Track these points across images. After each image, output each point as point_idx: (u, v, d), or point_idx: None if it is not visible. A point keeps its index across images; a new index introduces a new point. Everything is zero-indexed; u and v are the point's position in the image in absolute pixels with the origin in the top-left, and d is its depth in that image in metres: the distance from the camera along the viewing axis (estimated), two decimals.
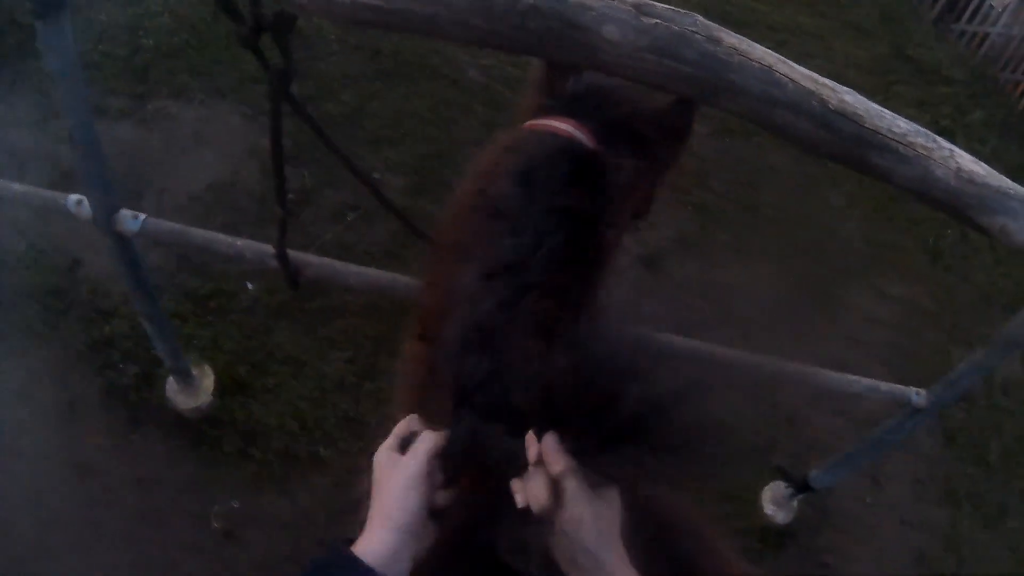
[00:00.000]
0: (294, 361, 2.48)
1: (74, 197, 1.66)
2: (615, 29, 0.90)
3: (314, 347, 2.51)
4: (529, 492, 0.80)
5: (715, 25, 0.95)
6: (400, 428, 0.91)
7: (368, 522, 0.83)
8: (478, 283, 0.93)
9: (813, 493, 2.53)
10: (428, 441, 0.86)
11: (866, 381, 1.99)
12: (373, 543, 0.80)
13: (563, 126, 1.03)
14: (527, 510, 0.80)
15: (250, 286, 2.59)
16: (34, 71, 2.88)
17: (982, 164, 1.13)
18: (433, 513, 0.85)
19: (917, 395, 1.95)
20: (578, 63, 0.99)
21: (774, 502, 2.64)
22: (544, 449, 0.79)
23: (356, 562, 0.78)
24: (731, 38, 0.95)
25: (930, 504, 2.98)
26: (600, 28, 0.90)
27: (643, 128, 1.09)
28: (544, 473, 0.79)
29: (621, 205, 1.09)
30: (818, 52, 4.59)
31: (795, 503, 2.64)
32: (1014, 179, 1.16)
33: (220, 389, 2.35)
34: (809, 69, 1.02)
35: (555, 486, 0.78)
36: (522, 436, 0.83)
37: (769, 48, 0.99)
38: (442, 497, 0.87)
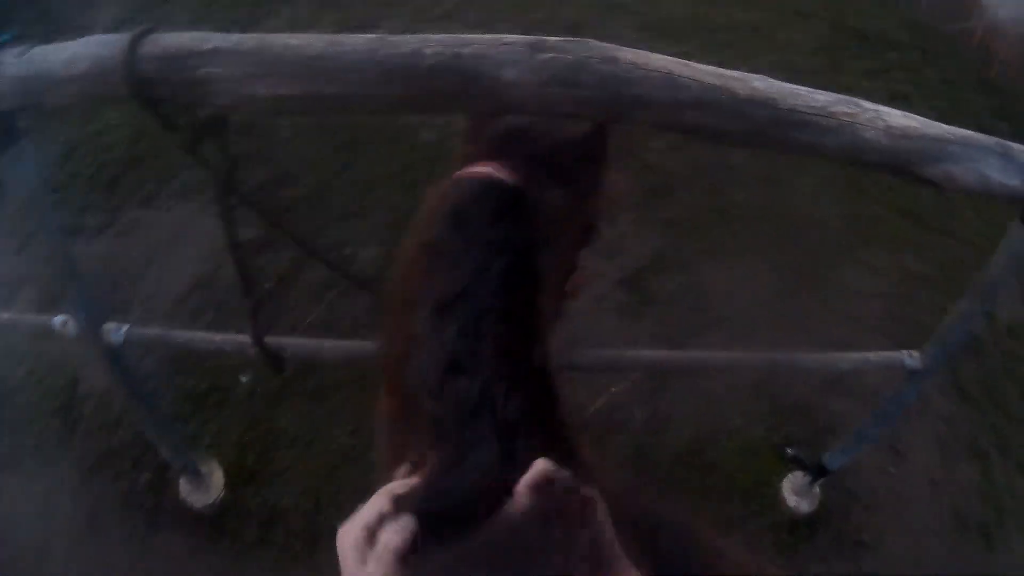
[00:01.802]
0: (299, 442, 2.49)
1: (59, 318, 1.70)
2: (513, 71, 0.94)
3: (316, 425, 2.53)
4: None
5: (611, 46, 0.99)
6: (371, 510, 0.85)
7: None
8: (433, 317, 0.97)
9: (834, 476, 2.51)
10: (395, 539, 0.81)
11: (854, 356, 1.98)
12: None
13: (485, 168, 1.08)
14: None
15: (244, 378, 2.62)
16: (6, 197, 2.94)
17: (915, 117, 1.14)
18: None
19: (910, 357, 1.94)
20: (487, 110, 1.04)
21: (795, 492, 2.62)
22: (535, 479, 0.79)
23: None
24: (627, 54, 0.98)
25: (957, 461, 2.95)
26: (499, 73, 0.94)
27: (561, 158, 1.13)
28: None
29: (554, 233, 1.12)
30: (763, 46, 4.62)
31: (817, 489, 2.62)
32: (980, 126, 1.17)
33: (231, 482, 2.37)
34: (754, 64, 1.05)
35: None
36: (517, 453, 0.85)
37: (716, 51, 1.03)
38: None
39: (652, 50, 1.03)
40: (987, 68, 5.03)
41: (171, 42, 1.02)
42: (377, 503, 0.86)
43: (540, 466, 0.78)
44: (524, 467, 0.81)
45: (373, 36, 0.98)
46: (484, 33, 0.99)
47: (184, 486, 2.33)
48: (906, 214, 3.84)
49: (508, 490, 0.80)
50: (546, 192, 1.09)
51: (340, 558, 0.82)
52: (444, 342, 0.95)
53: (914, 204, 3.89)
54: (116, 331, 1.69)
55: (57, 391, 2.57)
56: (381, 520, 0.83)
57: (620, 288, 3.20)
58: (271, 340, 1.64)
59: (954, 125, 1.19)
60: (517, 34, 0.99)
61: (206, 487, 2.33)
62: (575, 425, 1.04)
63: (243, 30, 1.04)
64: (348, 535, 0.83)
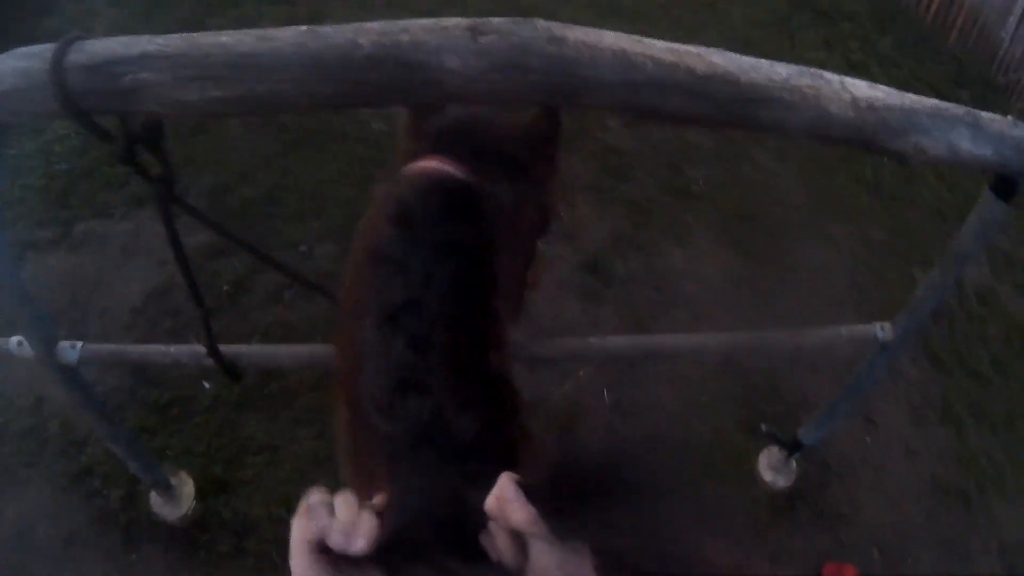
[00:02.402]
0: (266, 448, 2.46)
1: (15, 339, 1.67)
2: (454, 58, 0.90)
3: (282, 431, 2.50)
4: (494, 546, 0.78)
5: (558, 24, 0.94)
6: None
7: None
8: (381, 329, 0.93)
9: (809, 450, 2.52)
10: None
11: (825, 331, 1.97)
12: None
13: (432, 164, 1.03)
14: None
15: (207, 385, 2.57)
16: None
17: (880, 87, 1.11)
18: None
19: (882, 330, 1.93)
20: (428, 100, 0.99)
21: (771, 468, 2.63)
22: (502, 497, 0.76)
23: None
24: (576, 33, 0.94)
25: (932, 428, 2.99)
26: (440, 61, 0.90)
27: (510, 147, 1.09)
28: (504, 524, 0.76)
29: (508, 226, 1.08)
30: (714, 21, 4.62)
31: (793, 464, 2.64)
32: (940, 94, 1.15)
33: (201, 492, 2.34)
34: (707, 39, 1.01)
35: (518, 538, 0.76)
36: (471, 480, 0.80)
37: (669, 28, 0.99)
38: None
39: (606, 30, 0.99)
40: (944, 36, 5.07)
41: (98, 49, 0.96)
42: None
43: (508, 493, 0.75)
44: (481, 484, 0.78)
45: (305, 28, 0.93)
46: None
47: (156, 500, 2.30)
48: (868, 185, 3.87)
49: (468, 509, 0.78)
50: (497, 184, 1.05)
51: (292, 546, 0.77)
52: (392, 357, 0.92)
53: (875, 175, 3.92)
54: (71, 350, 1.65)
55: (22, 412, 2.52)
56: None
57: (581, 271, 3.19)
58: (226, 349, 1.60)
59: (912, 94, 1.17)
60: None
61: (177, 500, 2.30)
62: (533, 433, 1.00)
63: (190, 30, 0.99)
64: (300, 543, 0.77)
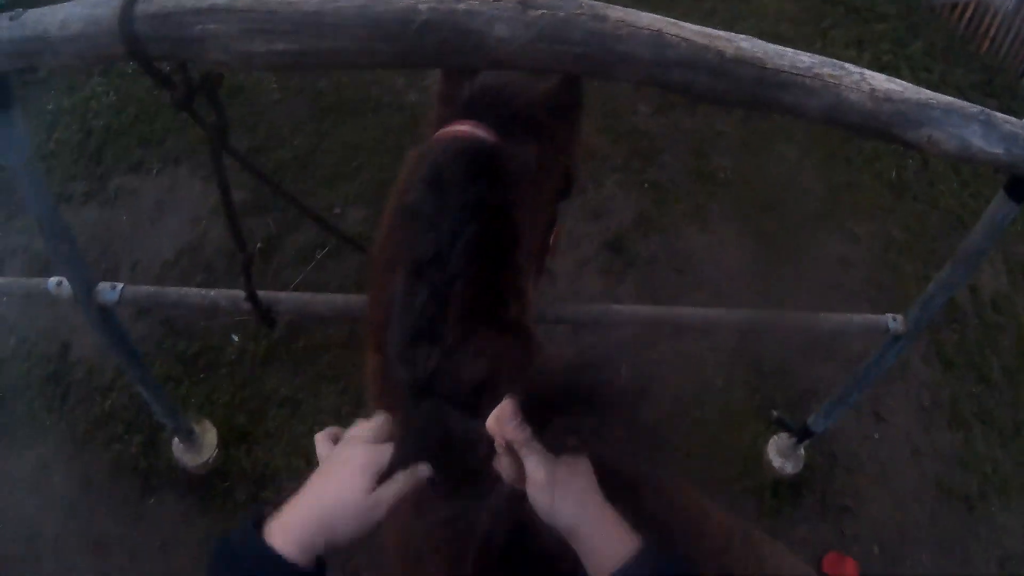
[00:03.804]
0: (290, 401, 2.53)
1: (54, 279, 1.72)
2: (504, 27, 0.95)
3: (306, 385, 2.57)
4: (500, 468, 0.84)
5: (600, 3, 1.01)
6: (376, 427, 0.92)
7: (299, 505, 0.82)
8: (407, 281, 0.99)
9: (818, 439, 2.56)
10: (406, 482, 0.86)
11: (838, 316, 2.01)
12: (288, 535, 0.78)
13: (463, 128, 1.10)
14: (504, 490, 0.84)
15: (235, 338, 2.64)
16: None
17: (897, 81, 1.16)
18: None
19: (893, 320, 1.97)
20: (476, 65, 1.05)
21: (780, 454, 2.67)
22: (501, 419, 0.82)
23: (280, 562, 0.75)
24: (617, 12, 1.00)
25: (939, 430, 3.01)
26: (491, 29, 0.96)
27: (536, 112, 1.15)
28: (501, 441, 0.83)
29: (532, 187, 1.15)
30: (748, 13, 4.61)
31: (801, 451, 2.67)
32: (967, 98, 1.19)
33: (223, 442, 2.41)
34: (742, 32, 1.06)
35: (516, 455, 0.82)
36: (480, 416, 0.86)
37: (701, 18, 1.05)
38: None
39: None
40: (975, 43, 5.03)
41: (166, 1, 1.02)
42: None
43: (507, 417, 0.82)
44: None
45: None
46: None
47: (177, 447, 2.36)
48: (890, 184, 3.87)
49: (478, 442, 0.86)
50: (522, 147, 1.11)
51: (338, 447, 0.89)
52: (414, 307, 0.99)
53: (899, 175, 3.91)
54: (110, 291, 1.70)
55: (48, 358, 2.59)
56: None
57: (604, 249, 3.24)
58: (263, 295, 1.65)
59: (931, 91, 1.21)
60: None
61: (199, 447, 2.36)
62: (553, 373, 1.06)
63: None
64: (353, 439, 0.89)
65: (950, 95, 1.18)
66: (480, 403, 0.92)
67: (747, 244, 3.43)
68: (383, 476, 0.85)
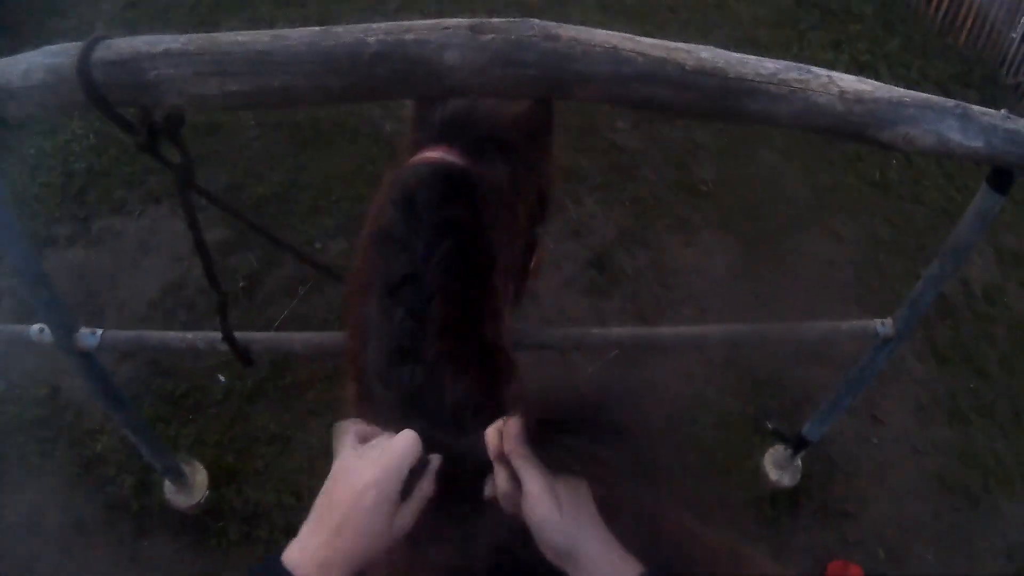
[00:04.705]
0: (278, 438, 2.51)
1: (36, 326, 1.71)
2: (456, 54, 0.95)
3: (294, 421, 2.55)
4: (495, 484, 0.82)
5: (553, 24, 1.00)
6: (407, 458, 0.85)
7: (316, 524, 0.79)
8: (383, 302, 0.99)
9: (813, 447, 2.53)
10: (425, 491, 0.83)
11: (824, 325, 1.99)
12: (309, 559, 0.75)
13: (433, 153, 1.10)
14: (498, 511, 0.82)
15: (222, 378, 2.63)
16: None
17: (868, 81, 1.15)
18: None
19: (882, 325, 1.96)
20: (432, 94, 1.05)
21: (777, 465, 2.65)
22: (506, 433, 0.80)
23: None
24: (569, 31, 0.99)
25: (938, 427, 3.00)
26: (442, 57, 0.95)
27: (506, 135, 1.15)
28: (504, 465, 0.81)
29: (505, 209, 1.15)
30: (723, 21, 4.64)
31: (798, 461, 2.65)
32: (947, 94, 1.18)
33: (214, 481, 2.39)
34: (716, 40, 1.06)
35: (513, 473, 0.80)
36: (469, 433, 0.86)
37: (677, 29, 1.04)
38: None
39: (612, 31, 1.04)
40: (952, 37, 5.06)
41: (123, 47, 1.03)
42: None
43: (511, 432, 0.80)
44: (471, 440, 0.83)
45: (317, 28, 0.99)
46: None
47: (168, 488, 2.35)
48: (874, 183, 3.88)
49: (465, 461, 0.84)
50: (493, 170, 1.11)
51: (342, 462, 0.83)
52: (392, 327, 0.98)
53: (882, 173, 3.93)
54: (91, 336, 1.70)
55: (37, 402, 2.57)
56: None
57: (588, 268, 3.22)
58: (240, 336, 1.65)
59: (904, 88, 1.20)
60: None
61: (190, 488, 2.34)
62: (530, 396, 1.05)
63: (205, 31, 1.05)
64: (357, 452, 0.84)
65: (930, 90, 1.17)
66: (463, 422, 0.92)
67: (733, 253, 3.42)
68: (403, 491, 0.81)
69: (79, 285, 2.84)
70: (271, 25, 3.83)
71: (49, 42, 1.08)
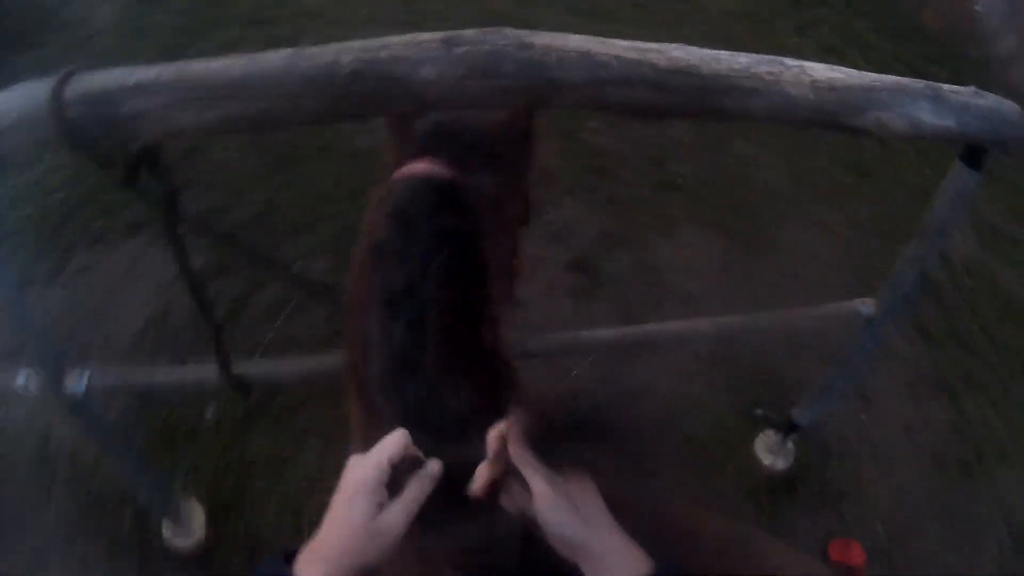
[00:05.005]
0: (274, 462, 2.49)
1: (21, 375, 1.68)
2: (431, 69, 0.95)
3: (289, 443, 2.53)
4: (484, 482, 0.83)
5: (526, 32, 1.00)
6: (392, 451, 0.85)
7: (318, 545, 0.80)
8: (382, 316, 0.99)
9: (806, 431, 2.56)
10: (420, 491, 0.83)
11: (808, 311, 2.01)
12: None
13: (420, 166, 1.10)
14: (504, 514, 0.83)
15: (212, 406, 2.60)
16: None
17: (839, 68, 1.17)
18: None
19: (864, 306, 1.98)
20: (410, 109, 1.05)
21: (769, 451, 2.67)
22: (510, 438, 0.82)
23: None
24: (543, 38, 1.00)
25: (928, 402, 3.01)
26: (418, 73, 0.96)
27: (491, 143, 1.16)
28: (497, 456, 0.82)
29: (494, 216, 1.16)
30: (693, 16, 4.66)
31: (791, 445, 2.67)
32: (917, 73, 1.19)
33: (212, 512, 2.36)
34: (689, 35, 1.07)
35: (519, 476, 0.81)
36: (468, 445, 0.86)
37: (648, 27, 1.05)
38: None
39: (583, 33, 1.04)
40: (919, 15, 5.09)
41: (95, 82, 1.03)
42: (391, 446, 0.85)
43: (512, 437, 0.81)
44: (480, 451, 0.84)
45: (291, 50, 0.99)
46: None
47: (167, 527, 2.31)
48: (850, 167, 3.90)
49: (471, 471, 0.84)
50: (480, 177, 1.12)
51: (348, 477, 0.83)
52: (392, 340, 0.98)
53: (858, 157, 3.95)
54: (78, 380, 1.66)
55: (30, 448, 2.53)
56: (402, 460, 0.84)
57: (571, 271, 3.22)
58: (235, 366, 1.64)
59: (890, 75, 1.22)
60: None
61: (189, 524, 2.31)
62: (531, 403, 1.06)
63: (174, 57, 1.05)
64: (366, 467, 0.83)
65: (900, 69, 1.18)
66: (468, 432, 0.91)
67: (714, 247, 3.43)
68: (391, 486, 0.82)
69: (61, 322, 2.81)
70: (238, 47, 3.82)
71: (24, 75, 1.07)
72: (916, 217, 3.47)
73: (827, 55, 4.26)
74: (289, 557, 0.79)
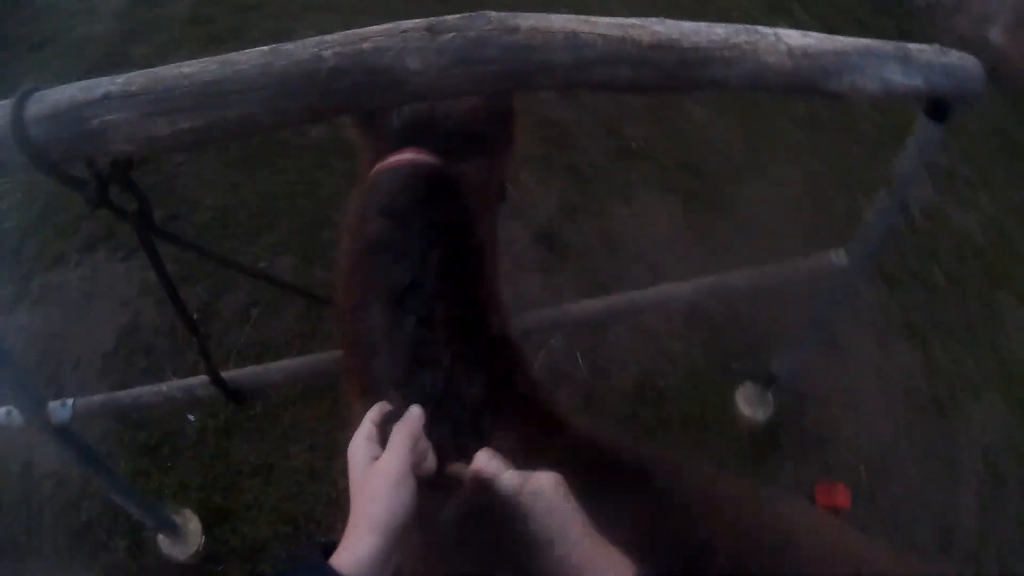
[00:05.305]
0: (262, 469, 2.46)
1: (2, 410, 1.64)
2: (416, 58, 0.92)
3: (274, 449, 2.50)
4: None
5: (509, 14, 0.98)
6: (374, 415, 0.87)
7: (349, 527, 0.78)
8: (388, 313, 0.98)
9: (783, 382, 2.62)
10: (406, 431, 0.83)
11: (784, 266, 2.03)
12: (357, 551, 0.74)
13: (404, 157, 1.08)
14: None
15: (192, 418, 2.56)
16: None
17: (812, 34, 1.18)
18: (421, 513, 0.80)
19: (836, 257, 2.01)
20: (396, 102, 1.02)
21: (749, 403, 2.73)
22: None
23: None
24: (528, 20, 0.97)
25: (897, 346, 3.09)
26: (403, 63, 0.92)
27: (471, 126, 1.15)
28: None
29: (480, 201, 1.15)
30: None
31: (770, 397, 2.73)
32: (862, 23, 1.21)
33: (207, 525, 2.33)
34: (633, 8, 1.05)
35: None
36: (491, 431, 0.89)
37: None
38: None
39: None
40: None
41: (57, 98, 0.96)
42: (381, 409, 0.87)
43: (480, 459, 0.80)
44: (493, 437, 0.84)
45: (266, 48, 0.94)
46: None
47: (163, 542, 2.29)
48: (803, 122, 3.95)
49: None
50: (466, 163, 1.11)
51: (351, 460, 0.82)
52: (404, 335, 0.97)
53: (809, 111, 3.99)
54: (61, 409, 1.62)
55: (14, 481, 2.47)
56: (385, 420, 0.85)
57: (535, 244, 3.23)
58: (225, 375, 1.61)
59: (836, 28, 1.23)
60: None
61: (185, 537, 2.29)
62: (543, 384, 1.06)
63: (115, 62, 1.00)
64: (359, 440, 0.83)
65: (844, 22, 1.21)
66: (484, 421, 0.93)
67: (675, 210, 3.46)
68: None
69: (30, 349, 2.74)
70: (182, 46, 3.73)
71: None
72: (872, 166, 3.55)
73: (770, 12, 4.28)
74: (328, 549, 0.76)
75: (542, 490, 0.77)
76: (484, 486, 0.79)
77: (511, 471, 0.79)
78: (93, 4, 4.16)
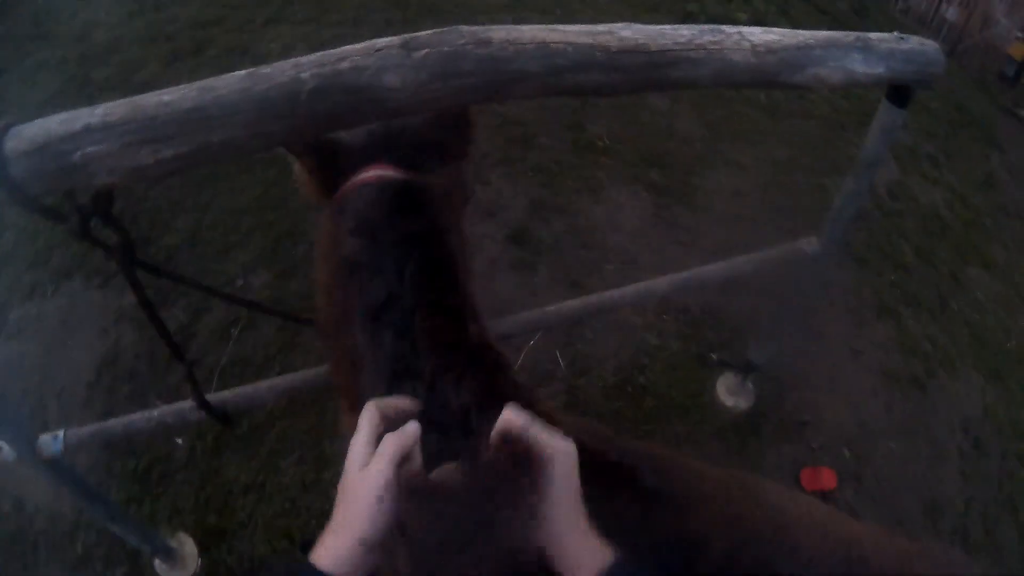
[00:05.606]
0: (253, 486, 2.46)
1: None
2: (394, 75, 0.94)
3: (263, 465, 2.50)
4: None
5: (481, 27, 1.00)
6: (373, 421, 0.86)
7: (331, 530, 0.79)
8: (368, 329, 0.99)
9: (762, 370, 2.66)
10: (396, 443, 0.82)
11: (756, 256, 2.07)
12: (332, 556, 0.75)
13: (370, 174, 1.10)
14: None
15: (179, 441, 2.55)
16: None
17: (774, 30, 1.22)
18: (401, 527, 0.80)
19: (808, 244, 2.05)
20: (377, 120, 1.04)
21: (730, 393, 2.77)
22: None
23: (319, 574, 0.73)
24: (499, 33, 1.00)
25: (871, 325, 3.15)
26: (381, 81, 0.94)
27: (430, 137, 1.16)
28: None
29: (448, 208, 1.18)
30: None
31: (750, 385, 2.76)
32: (818, 7, 1.24)
33: (202, 546, 2.32)
34: (610, 20, 1.08)
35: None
36: (479, 435, 0.88)
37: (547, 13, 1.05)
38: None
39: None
40: None
41: (35, 132, 0.95)
42: (379, 415, 0.86)
43: (507, 415, 0.81)
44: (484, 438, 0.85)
45: (245, 73, 0.96)
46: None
47: (160, 567, 2.27)
48: (763, 108, 3.99)
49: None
50: (434, 173, 1.13)
51: (348, 466, 0.82)
52: (384, 351, 0.99)
53: (769, 97, 4.04)
54: (53, 441, 1.62)
55: (5, 517, 2.44)
56: (383, 427, 0.85)
57: (508, 244, 3.25)
58: (210, 397, 1.61)
59: (792, 11, 1.27)
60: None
61: (182, 560, 2.28)
62: (527, 384, 1.07)
63: (76, 86, 1.00)
64: (358, 446, 0.83)
65: (802, 7, 1.23)
66: (471, 426, 0.93)
67: (642, 202, 3.50)
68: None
69: (12, 383, 2.71)
70: (144, 66, 3.70)
71: None
72: (833, 149, 3.60)
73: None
74: (306, 546, 0.78)
75: (565, 452, 0.79)
76: (512, 438, 0.80)
77: (539, 424, 0.81)
78: (48, 29, 4.13)
